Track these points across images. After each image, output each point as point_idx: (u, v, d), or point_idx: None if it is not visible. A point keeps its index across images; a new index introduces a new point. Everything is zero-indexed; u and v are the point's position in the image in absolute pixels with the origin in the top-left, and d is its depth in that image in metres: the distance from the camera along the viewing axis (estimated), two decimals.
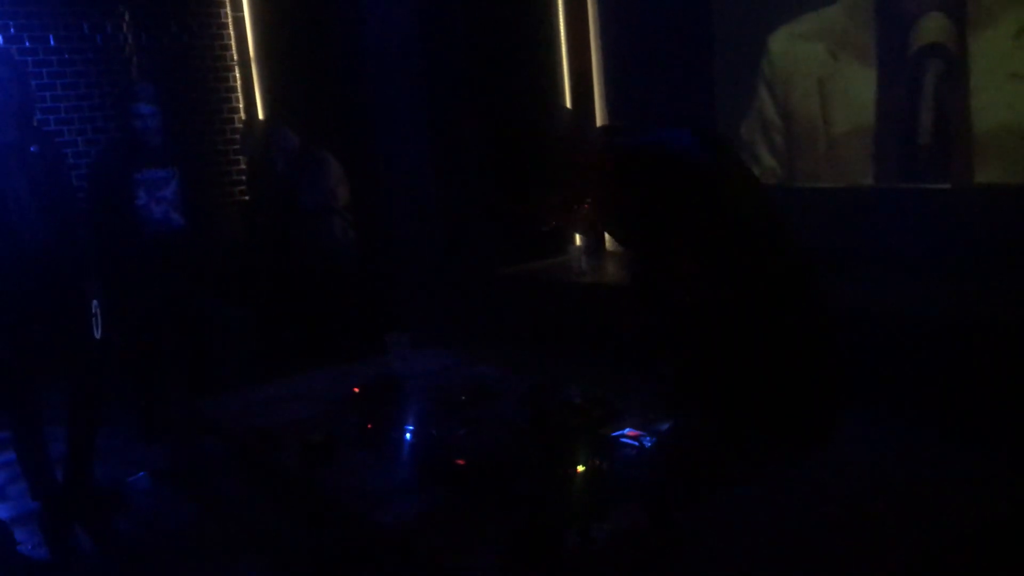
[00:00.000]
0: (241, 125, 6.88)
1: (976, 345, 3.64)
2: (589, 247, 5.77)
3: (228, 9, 6.87)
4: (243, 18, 6.91)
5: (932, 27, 4.31)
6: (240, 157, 6.89)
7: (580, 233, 2.40)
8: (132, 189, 4.39)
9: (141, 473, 4.33)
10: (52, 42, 6.10)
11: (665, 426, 2.26)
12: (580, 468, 2.05)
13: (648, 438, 2.19)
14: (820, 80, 4.84)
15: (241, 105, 7.00)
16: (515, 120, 2.18)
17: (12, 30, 5.95)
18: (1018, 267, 3.96)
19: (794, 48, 4.95)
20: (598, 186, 2.01)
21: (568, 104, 6.16)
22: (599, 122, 6.07)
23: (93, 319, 3.87)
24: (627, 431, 2.29)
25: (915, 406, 3.64)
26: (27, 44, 6.01)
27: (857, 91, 4.67)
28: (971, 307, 3.90)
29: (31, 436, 3.86)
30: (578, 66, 6.15)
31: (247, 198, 6.77)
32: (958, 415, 3.50)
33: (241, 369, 5.13)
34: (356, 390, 2.75)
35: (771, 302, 1.92)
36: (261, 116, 6.91)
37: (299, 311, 5.26)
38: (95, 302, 3.86)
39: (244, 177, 6.84)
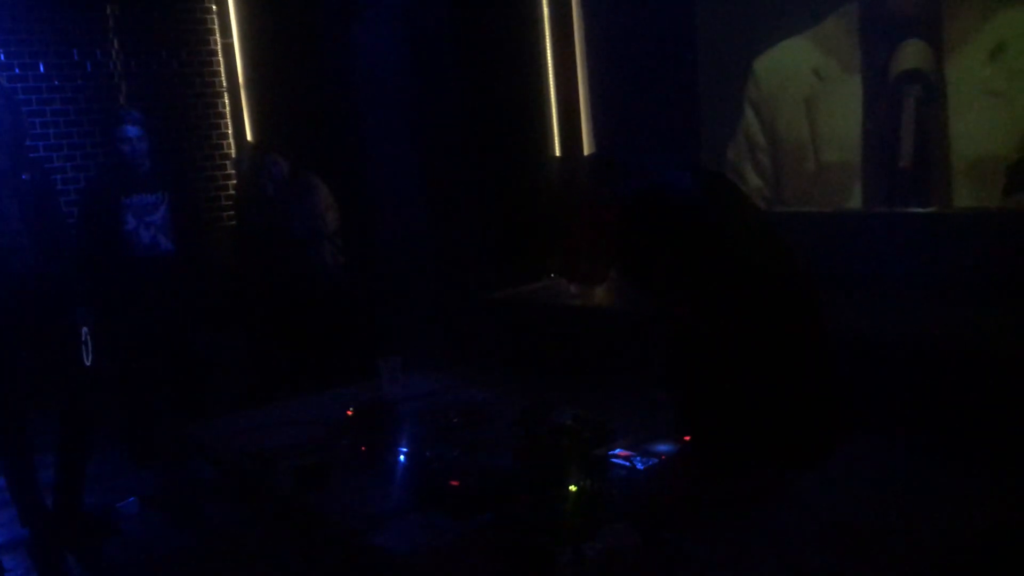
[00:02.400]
0: (234, 150, 6.91)
1: (955, 364, 3.69)
2: None
3: (218, 36, 6.92)
4: (232, 45, 6.96)
5: (910, 53, 4.40)
6: (229, 183, 6.92)
7: (580, 282, 2.41)
8: (121, 214, 4.41)
9: (131, 498, 4.31)
10: (42, 69, 6.13)
11: (659, 447, 2.30)
12: (572, 488, 2.08)
13: (639, 458, 2.22)
14: (806, 101, 4.90)
15: (230, 131, 7.03)
16: (512, 165, 2.23)
17: (2, 56, 5.98)
18: (997, 289, 4.02)
19: (780, 69, 5.03)
20: (599, 235, 2.02)
21: (556, 135, 6.21)
22: (586, 146, 6.13)
23: (83, 346, 3.88)
24: (618, 451, 2.32)
25: (897, 425, 3.68)
26: (16, 71, 6.03)
27: (843, 114, 4.74)
28: (953, 328, 3.96)
29: (21, 462, 3.85)
30: (565, 90, 6.21)
31: (234, 223, 6.79)
32: (940, 433, 3.54)
33: (232, 394, 5.13)
34: (349, 413, 2.77)
35: (774, 331, 1.97)
36: (251, 141, 6.94)
37: (289, 336, 5.27)
38: (85, 329, 3.87)
39: (232, 202, 6.86)
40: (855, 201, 4.76)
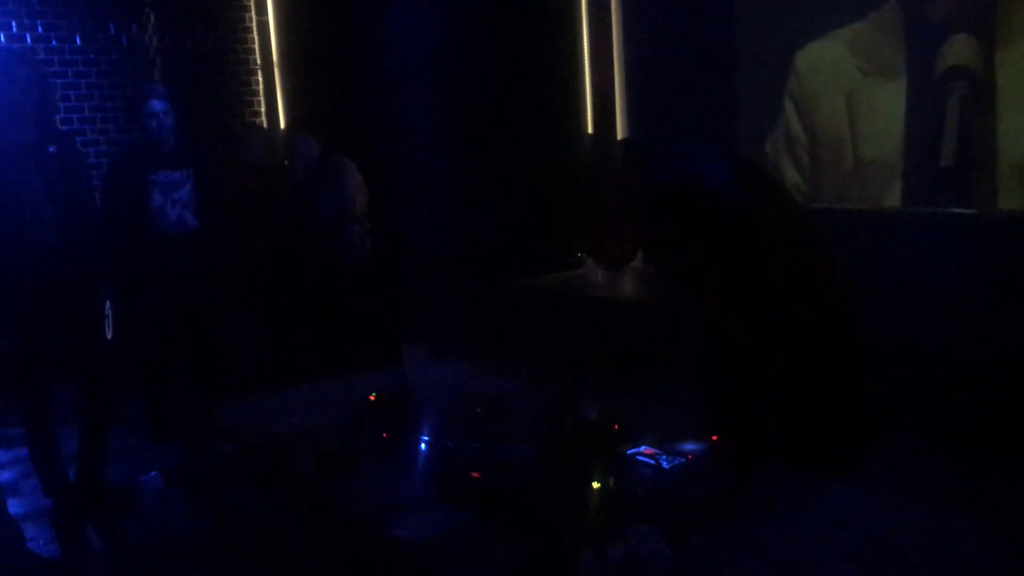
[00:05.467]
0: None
1: (994, 370, 3.61)
2: None
3: (253, 13, 6.91)
4: (267, 22, 6.94)
5: (958, 49, 4.27)
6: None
7: (606, 263, 2.34)
8: (147, 190, 4.39)
9: (152, 473, 4.32)
10: (78, 42, 6.15)
11: (685, 446, 2.24)
12: (596, 486, 2.03)
13: (664, 457, 2.17)
14: (848, 96, 4.78)
15: (263, 109, 7.02)
16: (545, 149, 2.18)
17: (40, 29, 6.00)
18: None
19: (822, 64, 4.91)
20: (629, 218, 1.96)
21: (589, 123, 6.13)
22: (620, 136, 6.05)
23: (105, 319, 3.87)
24: (643, 449, 2.26)
25: (936, 431, 3.60)
26: (54, 43, 6.05)
27: (885, 110, 4.62)
28: (993, 333, 3.87)
29: (43, 433, 3.86)
30: (600, 81, 6.12)
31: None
32: (980, 440, 3.47)
33: (254, 375, 5.12)
34: (372, 398, 2.73)
35: (806, 329, 1.91)
36: (283, 121, 6.92)
37: (314, 318, 5.25)
38: (108, 303, 3.86)
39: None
40: (894, 200, 4.65)
